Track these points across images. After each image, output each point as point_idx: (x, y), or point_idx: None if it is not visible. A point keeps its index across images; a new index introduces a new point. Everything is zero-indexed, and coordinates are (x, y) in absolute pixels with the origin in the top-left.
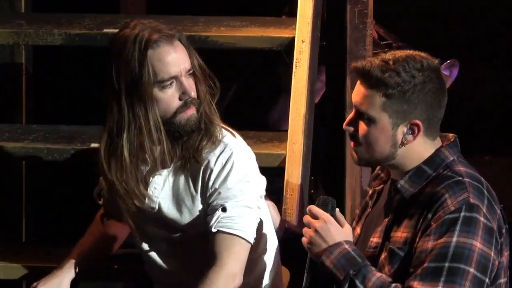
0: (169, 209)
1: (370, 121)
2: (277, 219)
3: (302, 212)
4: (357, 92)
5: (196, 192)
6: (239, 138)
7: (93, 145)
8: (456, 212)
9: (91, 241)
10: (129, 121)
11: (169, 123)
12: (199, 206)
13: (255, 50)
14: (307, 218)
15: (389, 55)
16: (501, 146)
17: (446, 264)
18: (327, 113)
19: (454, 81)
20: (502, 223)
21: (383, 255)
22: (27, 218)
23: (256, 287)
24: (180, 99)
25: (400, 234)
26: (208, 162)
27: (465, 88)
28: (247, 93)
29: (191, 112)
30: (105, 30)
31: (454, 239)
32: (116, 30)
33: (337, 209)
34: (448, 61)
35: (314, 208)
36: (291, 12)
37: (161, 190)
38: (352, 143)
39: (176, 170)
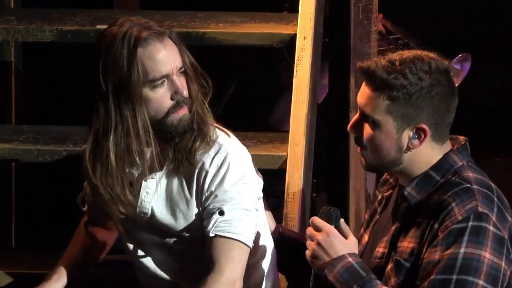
0: (162, 214)
1: (374, 124)
2: (273, 226)
3: (303, 216)
4: (362, 94)
5: (191, 195)
6: (233, 138)
7: None
8: (463, 222)
9: (77, 251)
10: (116, 122)
11: (160, 124)
12: (194, 210)
13: (254, 47)
14: (309, 231)
15: (396, 55)
16: (502, 147)
17: (454, 277)
18: (329, 113)
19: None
20: None
21: (389, 266)
22: (17, 221)
23: None
24: (172, 98)
25: (407, 244)
26: (203, 164)
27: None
28: (246, 92)
29: (184, 112)
30: (98, 26)
31: (462, 250)
32: None
33: (342, 220)
34: (460, 55)
35: (316, 220)
36: (293, 7)
37: (153, 194)
38: (358, 147)
39: (169, 173)
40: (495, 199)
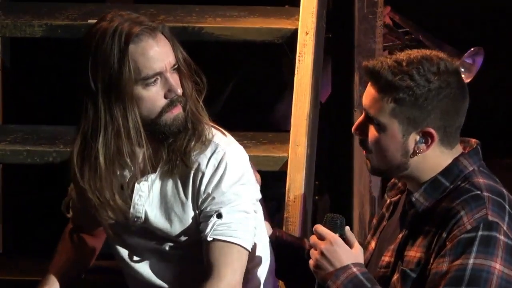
0: (156, 218)
1: (379, 127)
2: (269, 231)
3: (305, 220)
4: (367, 94)
5: (187, 198)
6: (230, 137)
7: None
8: (473, 231)
9: (64, 262)
10: (105, 122)
11: (153, 124)
12: (190, 213)
13: (254, 43)
14: (313, 239)
15: (403, 55)
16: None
17: None
18: (332, 112)
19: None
20: None
21: (395, 276)
22: (4, 225)
23: None
24: (165, 97)
25: (414, 253)
26: (199, 164)
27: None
28: (246, 89)
29: (178, 111)
30: (89, 21)
31: (471, 261)
32: None
33: (347, 228)
34: (472, 49)
35: (320, 228)
36: (294, 1)
37: (147, 197)
38: (363, 150)
39: (162, 175)
40: (507, 207)
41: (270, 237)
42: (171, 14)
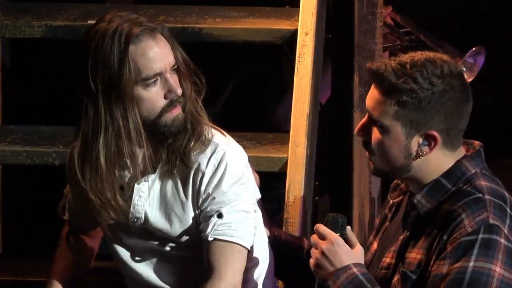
0: (156, 218)
1: (382, 129)
2: (268, 231)
3: (305, 221)
4: (370, 96)
5: (187, 198)
6: (229, 137)
7: None
8: (473, 234)
9: (64, 267)
10: (106, 123)
11: (153, 125)
12: (190, 213)
13: (254, 43)
14: (314, 238)
15: (407, 57)
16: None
17: None
18: (332, 112)
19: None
20: None
21: (395, 278)
22: (4, 226)
23: None
24: (165, 97)
25: (415, 255)
26: (199, 165)
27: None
28: (245, 90)
29: (177, 111)
30: (89, 22)
31: (471, 263)
32: None
33: (348, 228)
34: (473, 49)
35: (321, 228)
36: (294, 2)
37: (146, 198)
38: (366, 152)
39: (162, 175)
40: (508, 210)
41: (269, 236)
42: (170, 15)
